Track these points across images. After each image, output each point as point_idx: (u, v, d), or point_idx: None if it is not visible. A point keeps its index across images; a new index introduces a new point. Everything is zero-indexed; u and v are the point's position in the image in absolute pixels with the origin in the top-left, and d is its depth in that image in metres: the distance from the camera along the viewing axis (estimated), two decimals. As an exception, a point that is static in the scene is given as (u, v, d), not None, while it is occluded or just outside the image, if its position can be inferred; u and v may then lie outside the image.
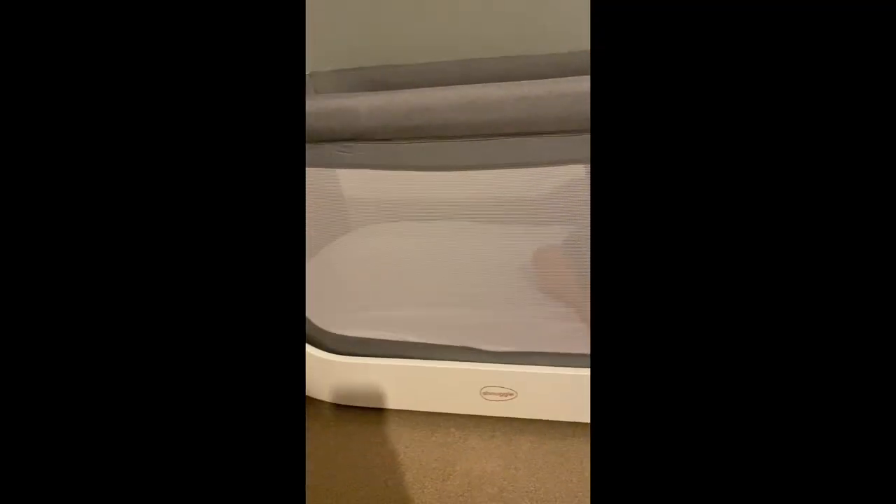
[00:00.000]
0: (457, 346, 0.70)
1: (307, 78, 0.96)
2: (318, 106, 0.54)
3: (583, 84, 0.49)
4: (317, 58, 1.04)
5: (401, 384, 0.74)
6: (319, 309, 0.75)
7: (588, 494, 0.63)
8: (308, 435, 0.75)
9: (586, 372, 0.66)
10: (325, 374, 0.75)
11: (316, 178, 0.67)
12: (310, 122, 0.55)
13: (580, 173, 0.57)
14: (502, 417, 0.73)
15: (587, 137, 0.51)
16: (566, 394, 0.69)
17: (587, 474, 0.65)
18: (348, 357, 0.73)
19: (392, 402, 0.77)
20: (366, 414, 0.78)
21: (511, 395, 0.69)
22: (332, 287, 0.81)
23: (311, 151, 0.58)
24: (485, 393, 0.70)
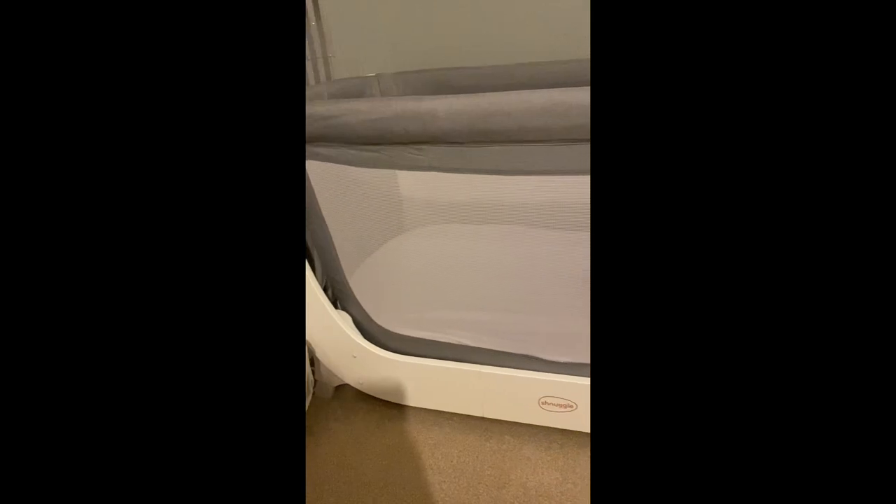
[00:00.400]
0: (516, 354, 0.69)
1: (373, 79, 0.98)
2: (394, 108, 0.54)
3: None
4: (381, 60, 1.06)
5: (457, 388, 0.73)
6: (379, 306, 0.76)
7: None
8: (364, 431, 0.76)
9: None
10: (382, 371, 0.76)
11: (375, 179, 0.68)
12: (384, 124, 0.55)
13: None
14: (558, 429, 0.71)
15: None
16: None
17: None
18: (405, 356, 0.74)
19: (447, 405, 0.76)
20: (419, 414, 0.78)
21: (571, 406, 0.68)
22: (391, 286, 0.82)
23: (378, 153, 0.59)
24: (543, 403, 0.68)
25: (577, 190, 0.58)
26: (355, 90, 0.94)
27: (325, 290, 0.75)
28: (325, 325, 0.75)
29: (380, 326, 0.76)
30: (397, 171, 0.63)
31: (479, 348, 0.71)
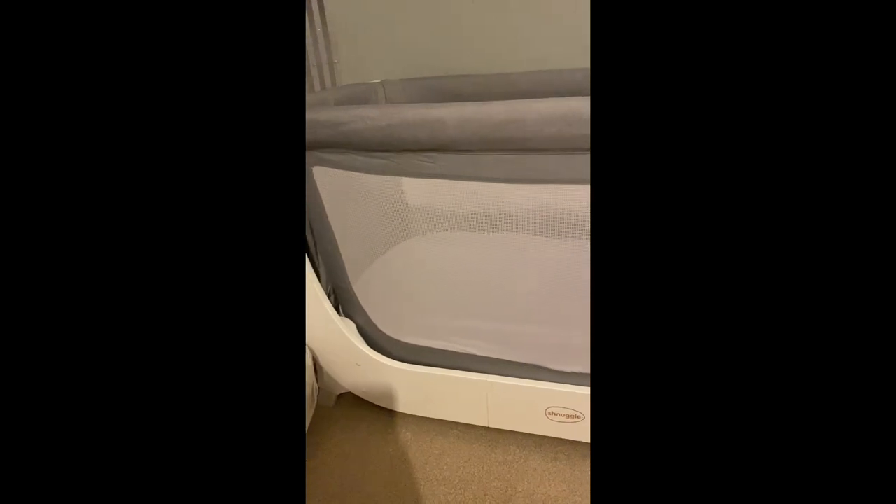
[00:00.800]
0: (523, 363, 0.68)
1: (378, 86, 0.98)
2: (403, 116, 0.54)
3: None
4: (386, 67, 1.06)
5: (463, 397, 0.72)
6: (383, 314, 0.75)
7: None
8: (367, 440, 0.75)
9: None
10: (386, 379, 0.75)
11: (383, 185, 0.68)
12: (394, 131, 0.55)
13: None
14: (565, 440, 0.70)
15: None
16: (636, 421, 0.65)
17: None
18: (410, 365, 0.73)
19: (452, 415, 0.75)
20: (423, 423, 0.77)
21: (578, 417, 0.67)
22: (397, 293, 0.82)
23: (387, 160, 0.59)
24: (550, 413, 0.68)
25: (587, 199, 0.58)
26: (360, 96, 0.94)
27: (329, 296, 0.75)
28: (329, 333, 0.74)
29: (384, 334, 0.75)
30: (405, 178, 0.63)
31: (485, 357, 0.70)
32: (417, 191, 0.68)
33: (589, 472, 0.67)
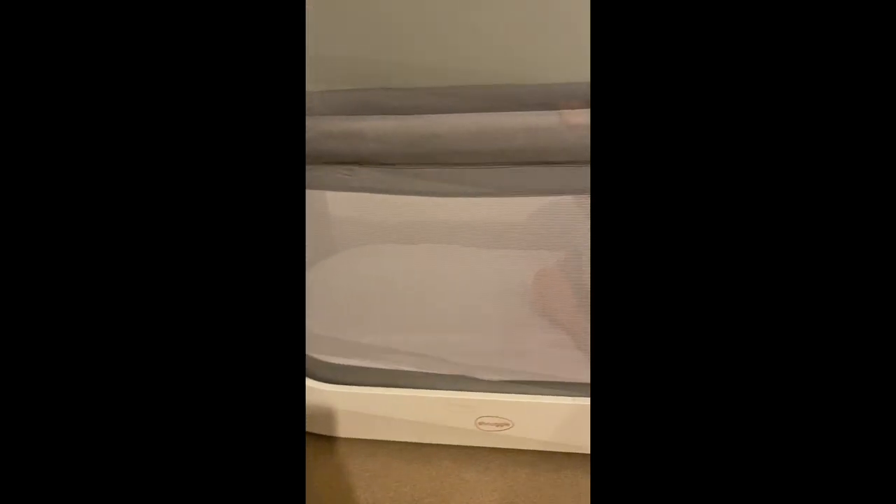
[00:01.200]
0: (451, 375, 0.69)
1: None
2: (323, 128, 0.53)
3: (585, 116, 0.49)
4: (310, 77, 1.03)
5: (392, 414, 0.71)
6: (308, 335, 0.72)
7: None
8: (292, 469, 0.71)
9: (583, 401, 0.66)
10: (313, 403, 0.72)
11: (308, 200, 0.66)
12: (313, 144, 0.53)
13: (571, 201, 0.58)
14: (496, 448, 0.71)
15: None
16: (562, 423, 0.68)
17: (584, 507, 0.64)
18: (337, 386, 0.70)
19: (382, 433, 0.74)
20: (355, 445, 0.74)
21: (507, 425, 0.68)
22: (321, 312, 0.79)
23: (309, 173, 0.57)
24: (480, 423, 0.68)
25: (508, 210, 0.60)
26: (280, 107, 0.90)
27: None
28: (249, 357, 0.69)
29: (309, 356, 0.72)
30: (327, 192, 0.61)
31: (413, 372, 0.69)
32: (340, 205, 0.67)
33: (520, 480, 0.68)
